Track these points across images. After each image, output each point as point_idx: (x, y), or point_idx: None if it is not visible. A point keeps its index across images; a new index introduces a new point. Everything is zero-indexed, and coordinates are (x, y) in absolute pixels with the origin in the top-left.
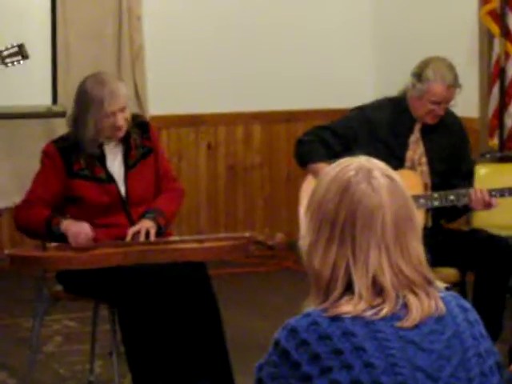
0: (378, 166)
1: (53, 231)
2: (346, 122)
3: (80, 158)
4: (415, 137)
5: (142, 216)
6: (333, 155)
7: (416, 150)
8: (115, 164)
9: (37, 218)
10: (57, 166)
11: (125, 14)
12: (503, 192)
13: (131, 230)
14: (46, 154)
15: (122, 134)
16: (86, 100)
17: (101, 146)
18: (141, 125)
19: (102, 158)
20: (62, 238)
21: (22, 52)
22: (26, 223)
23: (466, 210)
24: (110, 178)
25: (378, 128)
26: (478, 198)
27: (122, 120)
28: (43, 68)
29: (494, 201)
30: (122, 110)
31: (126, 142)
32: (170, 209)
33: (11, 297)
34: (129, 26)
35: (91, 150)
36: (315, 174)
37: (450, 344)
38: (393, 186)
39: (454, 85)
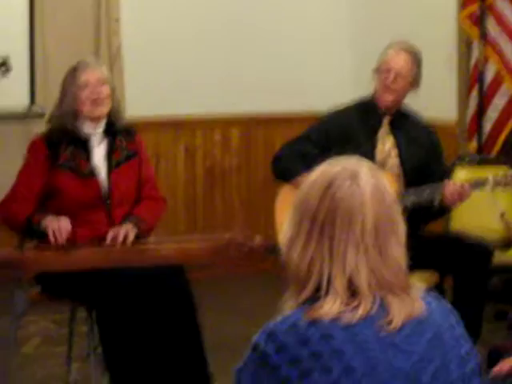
0: (366, 166)
1: (34, 229)
2: (318, 126)
3: (67, 150)
4: (384, 130)
5: (123, 221)
6: (312, 161)
7: (386, 142)
8: (99, 160)
9: (18, 216)
10: (40, 159)
11: (103, 15)
12: (477, 183)
13: (110, 234)
14: (31, 146)
15: (103, 108)
16: (64, 77)
17: (86, 141)
18: (127, 130)
19: (87, 152)
20: (42, 235)
21: (5, 65)
22: (7, 219)
23: (442, 210)
24: (93, 173)
25: (349, 127)
26: (450, 188)
27: (100, 89)
28: (21, 69)
29: (466, 187)
30: (99, 82)
31: (111, 140)
32: (151, 219)
33: None
34: (107, 27)
35: (72, 127)
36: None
37: (430, 346)
38: (378, 188)
39: (405, 50)
